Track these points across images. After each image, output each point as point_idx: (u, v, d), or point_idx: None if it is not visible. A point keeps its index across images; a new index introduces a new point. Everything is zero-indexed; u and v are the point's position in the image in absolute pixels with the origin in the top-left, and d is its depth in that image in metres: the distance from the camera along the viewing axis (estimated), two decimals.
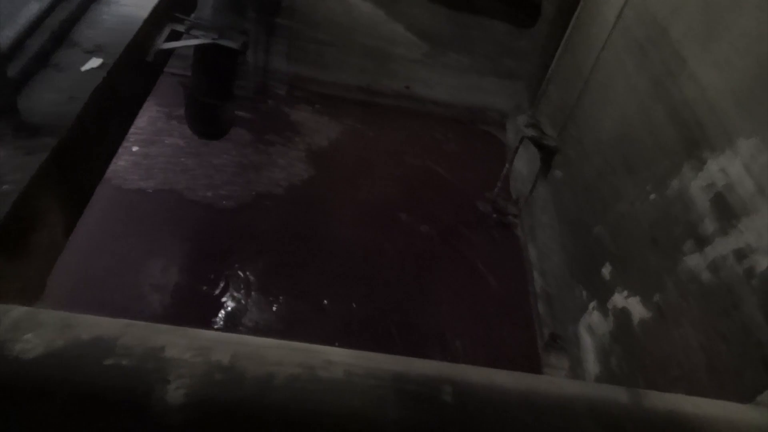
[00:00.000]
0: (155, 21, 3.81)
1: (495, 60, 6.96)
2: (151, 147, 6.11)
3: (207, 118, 4.57)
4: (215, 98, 4.39)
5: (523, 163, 6.48)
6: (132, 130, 6.19)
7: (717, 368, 3.17)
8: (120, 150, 5.88)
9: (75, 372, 1.29)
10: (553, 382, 1.51)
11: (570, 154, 5.39)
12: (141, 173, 5.81)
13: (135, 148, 6.06)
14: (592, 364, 4.39)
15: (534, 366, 5.13)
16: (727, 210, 3.25)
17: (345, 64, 7.07)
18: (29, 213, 2.50)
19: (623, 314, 4.07)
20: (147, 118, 6.39)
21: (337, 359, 1.43)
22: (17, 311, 1.40)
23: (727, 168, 3.30)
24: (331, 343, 4.45)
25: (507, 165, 6.25)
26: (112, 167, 5.68)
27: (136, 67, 3.59)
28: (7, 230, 2.31)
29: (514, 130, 6.66)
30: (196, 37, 4.03)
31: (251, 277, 5.31)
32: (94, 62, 3.24)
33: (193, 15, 4.12)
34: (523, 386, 1.45)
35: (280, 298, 5.22)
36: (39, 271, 2.69)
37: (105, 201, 5.45)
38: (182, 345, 1.38)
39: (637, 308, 3.94)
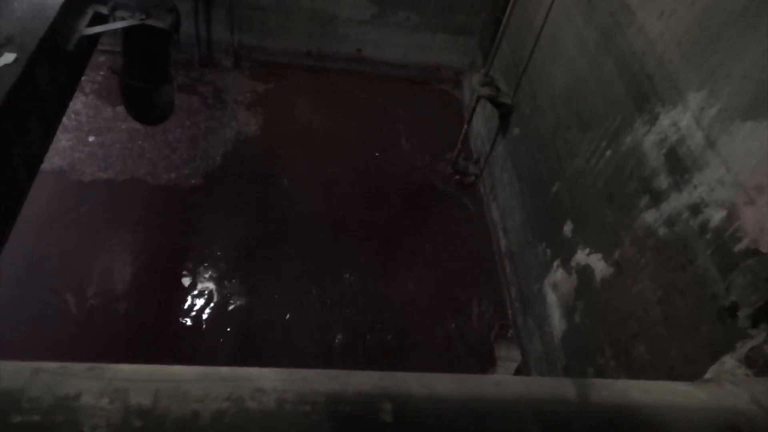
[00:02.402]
0: (73, 5, 3.53)
1: (445, 16, 6.75)
2: (106, 134, 5.85)
3: (143, 104, 4.33)
4: (149, 82, 4.15)
5: (482, 122, 6.38)
6: (85, 118, 5.95)
7: (675, 322, 3.20)
8: (75, 140, 5.69)
9: None
10: (498, 383, 1.45)
11: (525, 111, 5.31)
12: (99, 163, 5.58)
13: (91, 138, 5.79)
14: (557, 321, 4.43)
15: (503, 327, 5.18)
16: (679, 165, 3.22)
17: (291, 30, 6.79)
18: None
19: (586, 271, 4.09)
20: (99, 103, 6.09)
21: (267, 385, 1.34)
22: None
23: (678, 122, 3.26)
24: (299, 322, 4.40)
25: (465, 125, 6.14)
26: (68, 160, 5.50)
27: (56, 58, 3.34)
28: None
29: (471, 89, 6.54)
30: (122, 18, 3.76)
31: (222, 259, 5.19)
32: (7, 58, 3.00)
33: None
34: (465, 392, 1.40)
35: (250, 278, 5.14)
36: None
37: (64, 198, 5.23)
38: (97, 389, 1.28)
39: (598, 265, 3.95)
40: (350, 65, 7.13)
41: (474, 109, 5.97)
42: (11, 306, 4.46)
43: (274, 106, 6.64)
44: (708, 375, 1.67)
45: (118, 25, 3.71)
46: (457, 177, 6.32)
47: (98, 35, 3.78)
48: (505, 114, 5.63)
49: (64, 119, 5.72)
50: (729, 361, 1.75)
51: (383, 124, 6.76)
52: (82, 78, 5.52)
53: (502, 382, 1.47)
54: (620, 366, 3.58)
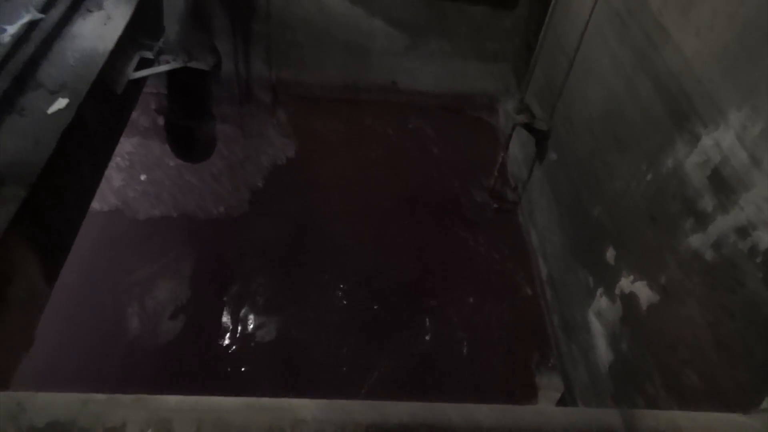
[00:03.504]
0: (122, 52, 3.73)
1: (477, 44, 6.81)
2: (156, 172, 6.07)
3: (187, 141, 4.50)
4: (192, 120, 4.32)
5: (518, 148, 6.36)
6: (136, 158, 6.20)
7: (726, 346, 3.07)
8: (128, 179, 5.92)
9: None
10: (539, 413, 1.42)
11: (561, 135, 5.26)
12: (152, 201, 5.79)
13: (143, 176, 6.02)
14: (603, 349, 4.30)
15: (545, 354, 5.07)
16: (724, 185, 3.13)
17: (326, 63, 6.96)
18: (2, 267, 2.45)
19: (631, 299, 3.97)
20: (148, 142, 6.35)
21: (307, 415, 1.35)
22: None
23: (721, 141, 3.18)
24: (339, 348, 4.48)
25: (502, 153, 6.13)
26: (122, 199, 5.72)
27: (106, 101, 3.52)
28: None
29: (506, 115, 6.54)
30: (167, 62, 3.95)
31: (268, 285, 5.30)
32: (61, 103, 3.18)
33: (161, 39, 4.03)
34: (506, 422, 1.37)
35: (293, 305, 5.23)
36: (22, 325, 2.65)
37: (123, 236, 5.45)
38: (142, 419, 1.32)
39: (644, 292, 3.84)
40: (385, 96, 7.23)
41: (510, 136, 5.96)
42: (62, 337, 4.61)
43: (311, 136, 6.78)
44: (765, 405, 1.59)
45: (163, 68, 3.90)
46: (495, 204, 6.29)
47: (144, 78, 3.97)
48: (541, 139, 5.60)
49: (118, 159, 6.01)
50: None
51: (418, 152, 6.80)
52: (131, 119, 5.80)
53: (544, 412, 1.45)
54: (671, 395, 3.44)
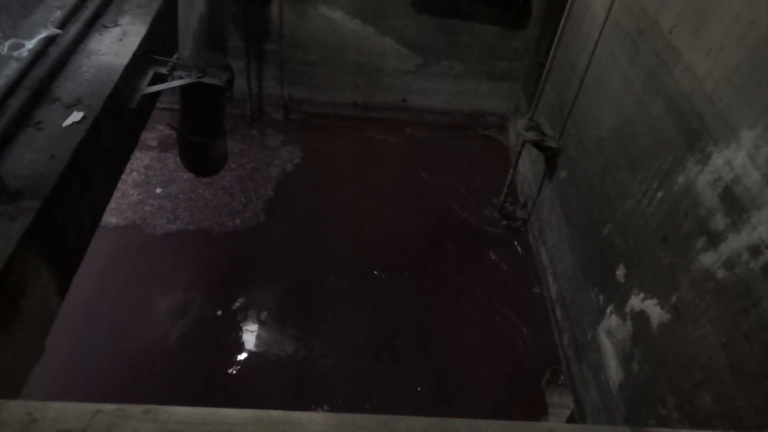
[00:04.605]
0: (136, 67, 3.78)
1: (488, 63, 6.86)
2: (172, 186, 6.13)
3: (199, 156, 4.54)
4: (205, 136, 4.36)
5: (528, 166, 6.37)
6: (152, 172, 6.26)
7: (741, 369, 3.02)
8: (145, 194, 5.98)
9: None
10: (551, 430, 1.41)
11: (572, 154, 5.27)
12: (168, 216, 5.84)
13: (158, 190, 6.07)
14: (614, 369, 4.25)
15: (555, 372, 5.01)
16: (736, 204, 3.11)
17: (338, 82, 7.03)
18: (16, 280, 2.46)
19: (641, 317, 3.94)
20: (163, 156, 6.42)
21: (317, 430, 1.35)
22: None
23: (732, 160, 3.17)
24: (349, 364, 4.45)
25: (511, 170, 6.13)
26: (139, 214, 5.76)
27: (120, 116, 3.56)
28: None
29: (516, 133, 6.56)
30: (180, 77, 3.99)
31: (278, 302, 5.31)
32: (76, 116, 3.21)
33: (175, 56, 4.09)
34: None
35: (305, 320, 5.23)
36: (33, 335, 2.65)
37: (142, 251, 5.49)
38: (152, 431, 1.31)
39: (655, 311, 3.81)
40: (396, 114, 7.29)
41: (520, 153, 5.97)
42: (73, 347, 4.63)
43: (322, 154, 6.83)
44: None
45: (177, 83, 3.94)
46: (505, 221, 6.28)
47: (158, 93, 4.01)
48: (551, 157, 5.60)
49: (134, 174, 6.07)
50: None
51: (428, 169, 6.82)
52: (147, 135, 5.83)
53: (555, 429, 1.43)
54: (684, 417, 3.39)
